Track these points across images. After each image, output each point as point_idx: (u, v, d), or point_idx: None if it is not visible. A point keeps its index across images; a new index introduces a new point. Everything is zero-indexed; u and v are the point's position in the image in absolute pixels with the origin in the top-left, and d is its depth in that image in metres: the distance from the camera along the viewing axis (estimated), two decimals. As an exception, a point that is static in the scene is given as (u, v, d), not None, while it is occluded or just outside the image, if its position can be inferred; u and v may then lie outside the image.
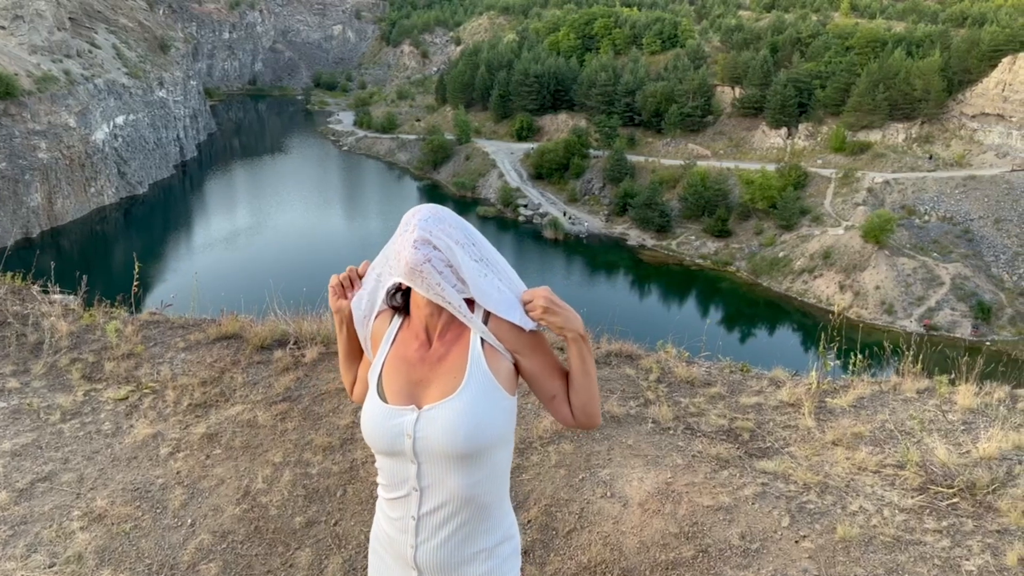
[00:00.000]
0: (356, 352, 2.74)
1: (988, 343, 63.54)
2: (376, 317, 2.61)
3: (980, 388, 5.87)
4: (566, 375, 2.50)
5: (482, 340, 2.41)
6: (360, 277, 2.64)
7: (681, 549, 4.31)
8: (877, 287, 70.24)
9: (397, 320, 2.58)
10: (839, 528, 4.32)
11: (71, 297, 7.23)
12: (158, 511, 5.01)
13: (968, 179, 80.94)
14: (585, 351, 2.44)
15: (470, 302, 2.41)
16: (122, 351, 6.61)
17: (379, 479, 2.55)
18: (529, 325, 2.40)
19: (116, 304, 7.24)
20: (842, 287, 72.07)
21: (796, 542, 4.30)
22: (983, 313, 67.33)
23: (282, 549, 4.68)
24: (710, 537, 4.39)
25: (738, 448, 5.23)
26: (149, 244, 79.95)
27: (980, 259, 74.03)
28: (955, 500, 4.54)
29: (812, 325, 69.32)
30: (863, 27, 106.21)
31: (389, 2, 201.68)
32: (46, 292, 7.21)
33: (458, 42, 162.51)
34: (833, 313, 6.38)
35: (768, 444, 5.28)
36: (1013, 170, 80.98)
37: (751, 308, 72.43)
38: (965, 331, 65.69)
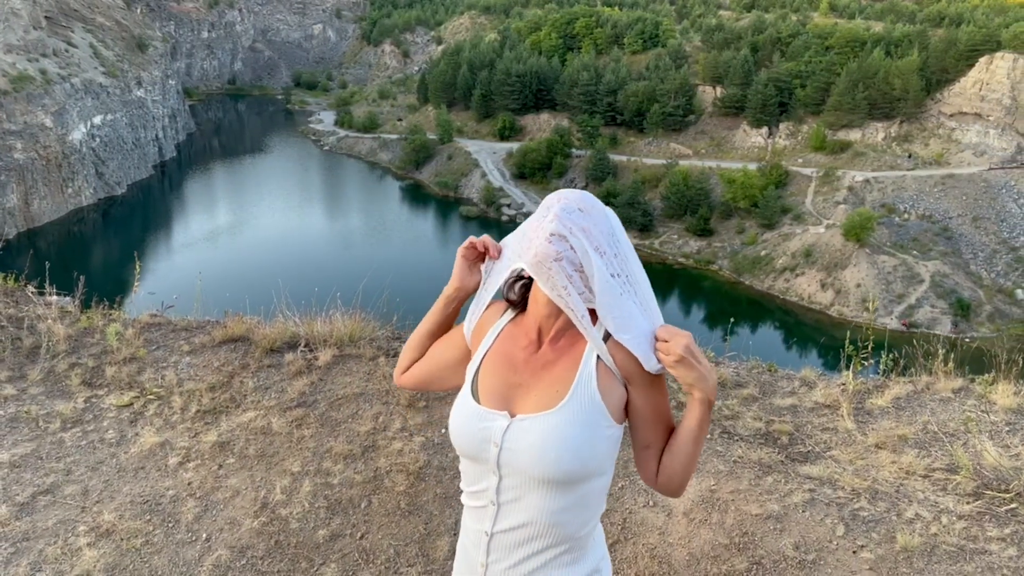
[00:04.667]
0: (440, 334, 2.44)
1: (967, 340, 64.18)
2: (488, 307, 2.32)
3: (1018, 387, 5.70)
4: (671, 429, 2.17)
5: (598, 357, 2.10)
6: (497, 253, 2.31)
7: (733, 561, 4.09)
8: (858, 285, 70.68)
9: (509, 314, 2.29)
10: (899, 537, 4.11)
11: (67, 299, 6.89)
12: (170, 525, 4.72)
13: (947, 178, 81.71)
14: (706, 419, 2.10)
15: (594, 312, 2.09)
16: (123, 355, 6.29)
17: (462, 483, 2.29)
18: (653, 367, 2.07)
19: (115, 306, 6.91)
20: (823, 285, 72.52)
21: (854, 552, 4.09)
22: (962, 310, 67.98)
23: (306, 565, 4.41)
24: (762, 548, 4.17)
25: (779, 453, 5.02)
26: (129, 245, 78.83)
27: (959, 257, 74.73)
28: (1013, 506, 4.35)
29: (795, 323, 69.70)
30: (842, 27, 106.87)
31: (370, 1, 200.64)
32: (41, 294, 6.87)
33: (439, 41, 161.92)
34: (863, 323, 6.18)
35: (809, 448, 5.08)
36: (990, 168, 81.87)
37: (734, 306, 72.66)
38: (945, 328, 66.23)
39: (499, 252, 2.26)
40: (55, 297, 6.79)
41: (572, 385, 2.06)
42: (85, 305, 6.88)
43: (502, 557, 2.17)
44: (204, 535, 4.63)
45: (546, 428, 2.04)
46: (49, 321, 6.46)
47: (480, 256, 2.32)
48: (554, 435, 2.03)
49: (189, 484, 5.04)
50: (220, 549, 4.51)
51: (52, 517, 4.79)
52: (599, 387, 2.06)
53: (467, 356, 2.34)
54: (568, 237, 2.01)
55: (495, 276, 2.27)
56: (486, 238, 2.31)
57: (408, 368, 2.48)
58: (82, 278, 6.63)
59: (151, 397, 5.87)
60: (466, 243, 2.32)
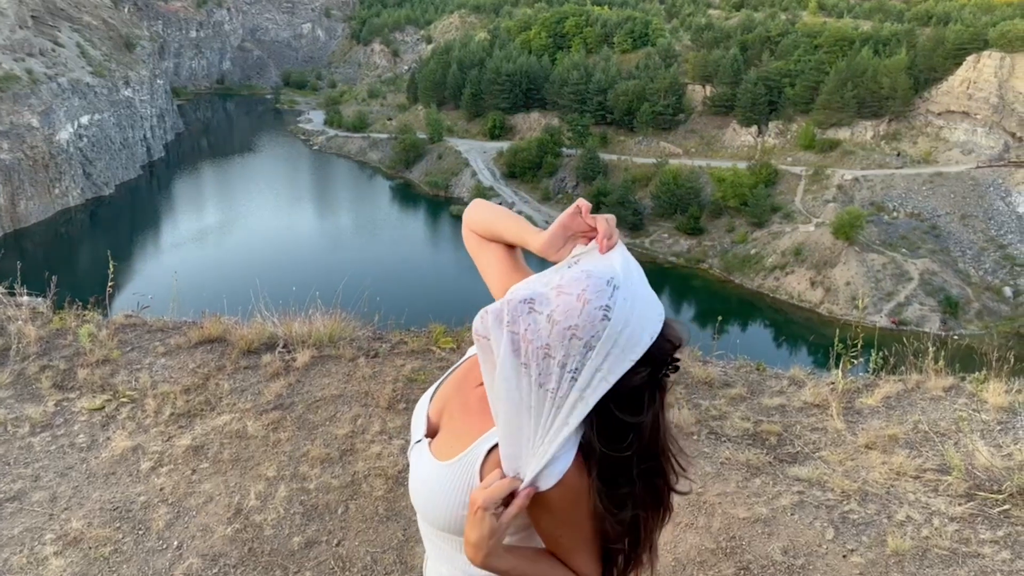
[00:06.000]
0: (501, 240, 2.08)
1: (956, 337, 64.16)
2: None
3: (1009, 385, 5.60)
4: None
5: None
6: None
7: (720, 566, 3.97)
8: (847, 283, 70.84)
9: None
10: (890, 540, 4.00)
11: (39, 299, 6.71)
12: (140, 532, 4.57)
13: (935, 176, 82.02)
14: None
15: None
16: (96, 357, 6.12)
17: None
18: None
19: (89, 307, 6.73)
20: (813, 283, 72.68)
21: (844, 556, 3.98)
22: (951, 308, 68.20)
23: (280, 573, 4.27)
24: (750, 553, 4.05)
25: (767, 454, 4.90)
26: (116, 246, 78.15)
27: (947, 254, 75.03)
28: (1006, 507, 4.24)
29: (784, 321, 69.78)
30: (831, 26, 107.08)
31: (359, 0, 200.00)
32: (12, 294, 6.69)
33: (429, 40, 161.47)
34: (852, 321, 6.09)
35: (798, 449, 4.96)
36: (978, 167, 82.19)
37: (723, 305, 72.74)
38: (934, 325, 66.38)
39: (609, 248, 1.73)
40: (26, 298, 6.61)
41: (463, 453, 1.84)
42: (58, 306, 6.71)
43: (427, 553, 2.10)
44: (175, 542, 4.48)
45: (428, 474, 1.89)
46: (19, 322, 6.29)
47: (585, 235, 1.81)
48: (429, 486, 1.88)
49: (161, 490, 4.89)
50: (191, 557, 4.37)
51: (18, 525, 4.64)
52: (482, 471, 1.78)
53: (499, 288, 2.01)
54: (491, 329, 1.62)
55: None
56: (609, 219, 1.79)
57: (474, 229, 2.15)
58: (54, 278, 6.45)
59: (124, 400, 5.71)
60: (574, 208, 1.83)
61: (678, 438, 1.81)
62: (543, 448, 1.64)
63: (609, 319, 1.54)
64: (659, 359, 1.62)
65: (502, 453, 1.70)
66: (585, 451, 1.68)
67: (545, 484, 1.67)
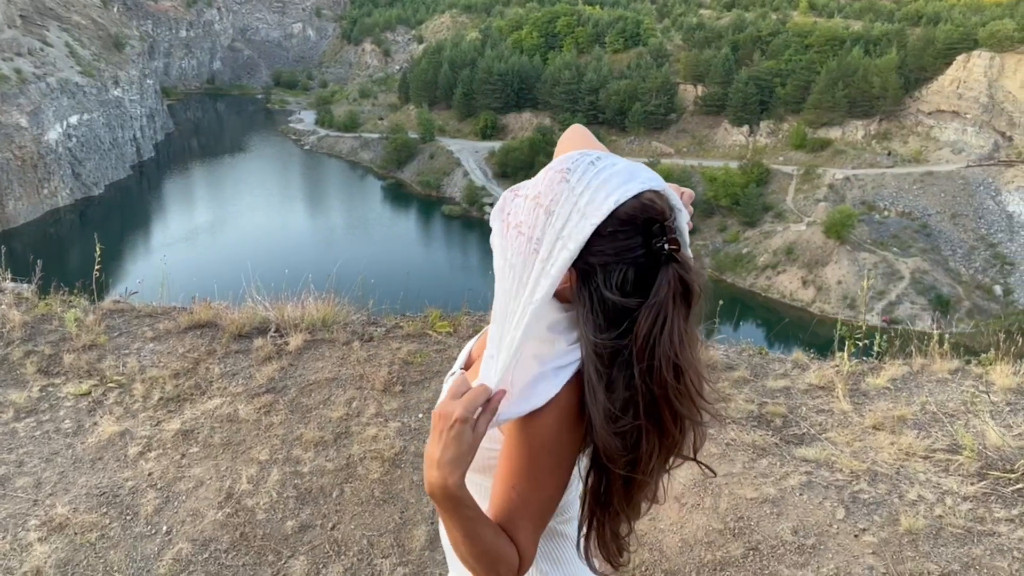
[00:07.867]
0: None
1: (948, 336, 64.20)
2: None
3: (1016, 368, 5.51)
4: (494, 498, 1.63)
5: None
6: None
7: (728, 547, 3.85)
8: (839, 282, 71.02)
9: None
10: (903, 519, 3.89)
11: (24, 285, 6.54)
12: (128, 518, 4.42)
13: (925, 175, 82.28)
14: (441, 511, 1.54)
15: None
16: (83, 342, 5.96)
17: None
18: None
19: (76, 291, 6.57)
20: (805, 282, 72.82)
21: (856, 536, 3.86)
22: (942, 306, 68.40)
23: (273, 558, 4.12)
24: (759, 533, 3.94)
25: (773, 435, 4.79)
26: (106, 246, 77.32)
27: (938, 253, 75.28)
28: (1019, 486, 4.14)
29: (777, 320, 69.81)
30: (821, 26, 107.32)
31: (350, 0, 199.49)
32: (-5, 279, 6.53)
33: (420, 40, 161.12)
34: (847, 321, 6.00)
35: (804, 430, 4.85)
36: (968, 166, 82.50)
37: (716, 304, 72.67)
38: (925, 324, 66.39)
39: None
40: (11, 283, 6.44)
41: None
42: (44, 291, 6.54)
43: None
44: (164, 528, 4.34)
45: None
46: (3, 307, 6.13)
47: None
48: None
49: (150, 475, 4.74)
50: (181, 542, 4.22)
51: (1, 511, 4.48)
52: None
53: None
54: (493, 226, 1.58)
55: None
56: (686, 193, 1.82)
57: None
58: (39, 262, 6.28)
59: (111, 385, 5.56)
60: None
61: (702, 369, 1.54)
62: (511, 335, 1.47)
63: (568, 181, 1.46)
64: (645, 225, 1.44)
65: (485, 354, 1.54)
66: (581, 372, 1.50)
67: (519, 408, 1.48)
